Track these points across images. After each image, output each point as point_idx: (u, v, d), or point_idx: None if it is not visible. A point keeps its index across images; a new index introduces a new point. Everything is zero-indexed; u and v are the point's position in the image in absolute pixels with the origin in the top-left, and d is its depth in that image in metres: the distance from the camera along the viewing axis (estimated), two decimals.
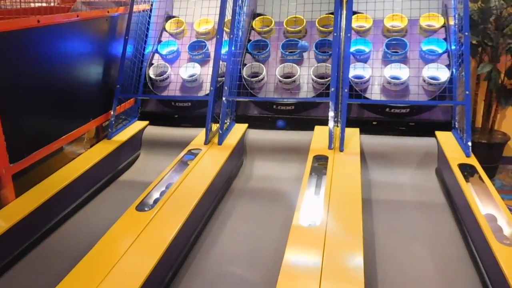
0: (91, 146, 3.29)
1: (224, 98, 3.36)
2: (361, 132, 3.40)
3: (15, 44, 2.57)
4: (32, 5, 4.01)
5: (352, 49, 3.66)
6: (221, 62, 3.52)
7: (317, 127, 3.43)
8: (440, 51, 3.61)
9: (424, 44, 3.63)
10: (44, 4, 4.09)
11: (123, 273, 1.90)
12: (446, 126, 3.41)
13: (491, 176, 4.42)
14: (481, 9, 4.15)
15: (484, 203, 2.44)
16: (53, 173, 2.81)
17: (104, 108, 3.47)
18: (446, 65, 3.50)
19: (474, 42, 4.21)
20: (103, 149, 3.20)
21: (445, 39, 3.65)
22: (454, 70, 3.39)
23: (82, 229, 2.64)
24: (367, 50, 3.68)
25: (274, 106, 3.64)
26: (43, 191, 2.61)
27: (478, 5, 4.17)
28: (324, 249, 1.97)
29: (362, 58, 3.68)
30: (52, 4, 4.26)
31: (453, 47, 3.47)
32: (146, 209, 2.40)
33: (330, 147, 3.06)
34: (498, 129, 4.68)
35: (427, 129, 3.38)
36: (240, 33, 3.69)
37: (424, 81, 3.47)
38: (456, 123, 3.37)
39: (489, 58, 4.32)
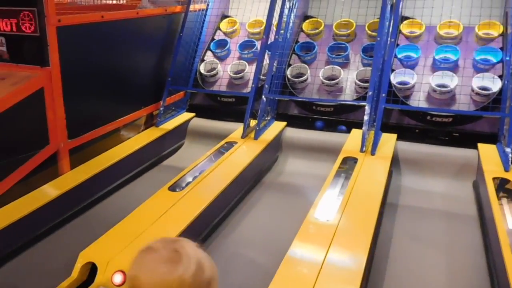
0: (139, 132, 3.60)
1: (263, 96, 3.50)
2: (400, 138, 3.38)
3: (81, 36, 2.92)
4: (104, 1, 4.44)
5: (401, 55, 3.65)
6: (266, 62, 3.67)
7: (353, 130, 3.46)
8: (495, 60, 3.48)
9: (478, 53, 3.52)
10: (114, 2, 4.51)
11: (147, 241, 2.09)
12: (492, 138, 3.28)
13: None
14: None
15: None
16: (105, 152, 3.13)
17: (155, 98, 3.77)
18: (499, 76, 3.37)
19: None
20: (150, 135, 3.50)
21: (501, 48, 3.51)
22: (506, 81, 3.26)
23: (123, 202, 2.93)
24: (415, 56, 3.64)
25: (314, 107, 3.73)
26: (93, 166, 2.94)
27: None
28: (330, 246, 2.04)
29: (410, 64, 3.64)
30: (121, 2, 4.68)
31: (508, 58, 3.34)
32: (177, 189, 2.63)
33: (361, 150, 3.08)
34: None
35: (471, 141, 3.27)
36: (288, 34, 3.80)
37: (473, 90, 3.37)
38: (502, 136, 3.23)
39: None
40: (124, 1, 4.62)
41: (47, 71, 2.66)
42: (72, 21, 2.78)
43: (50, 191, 2.62)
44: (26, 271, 2.28)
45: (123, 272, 1.92)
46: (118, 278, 1.92)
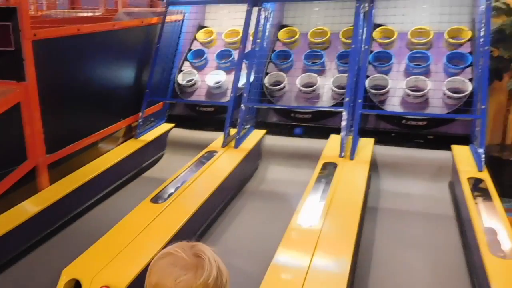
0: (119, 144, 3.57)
1: (242, 105, 3.54)
2: (377, 142, 3.46)
3: (57, 50, 2.90)
4: (79, 14, 4.40)
5: (375, 61, 3.74)
6: (243, 71, 3.70)
7: (332, 136, 3.51)
8: (464, 64, 3.61)
9: (448, 58, 3.64)
10: (89, 14, 4.48)
11: (129, 256, 2.11)
12: (465, 140, 3.39)
13: None
14: None
15: (488, 217, 2.44)
16: (84, 166, 3.10)
17: (134, 110, 3.75)
18: (469, 79, 3.49)
19: (506, 56, 4.13)
20: (129, 147, 3.48)
21: (470, 52, 3.64)
22: (476, 84, 3.38)
23: (105, 216, 2.90)
24: (388, 62, 3.74)
25: (292, 114, 3.78)
26: (73, 181, 2.91)
27: None
28: (314, 251, 2.07)
29: (383, 70, 3.74)
30: (97, 14, 4.65)
31: (477, 61, 3.46)
32: (159, 201, 2.62)
33: (341, 155, 3.14)
34: None
35: (445, 143, 3.37)
36: (265, 43, 3.86)
37: (445, 94, 3.48)
38: (474, 138, 3.34)
39: None
40: (99, 14, 4.59)
41: (24, 86, 2.63)
42: (48, 34, 2.76)
43: (30, 207, 2.58)
44: None
45: (108, 287, 1.91)
46: None
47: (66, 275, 1.98)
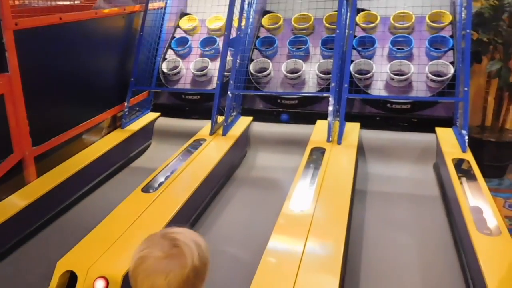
0: (105, 135, 3.53)
1: (229, 92, 3.53)
2: (363, 127, 3.51)
3: (40, 39, 2.83)
4: (59, 3, 4.28)
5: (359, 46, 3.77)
6: (229, 58, 3.69)
7: (318, 121, 3.55)
8: (446, 48, 3.67)
9: (430, 41, 3.69)
10: (68, 2, 4.36)
11: (124, 246, 2.11)
12: (449, 122, 3.47)
13: (500, 176, 4.40)
14: (494, 6, 4.13)
15: (473, 196, 2.51)
16: (71, 157, 3.06)
17: (119, 100, 3.71)
18: (450, 62, 3.56)
19: (485, 39, 4.20)
20: (116, 137, 3.44)
21: (451, 36, 3.70)
22: (457, 67, 3.44)
23: (94, 208, 2.88)
24: (372, 46, 3.77)
25: (279, 100, 3.79)
26: (61, 172, 2.87)
27: (491, 2, 4.16)
28: (307, 236, 2.10)
29: (367, 54, 3.77)
30: (76, 2, 4.53)
31: (458, 44, 3.53)
32: (150, 190, 2.61)
33: (328, 140, 3.18)
34: (509, 128, 4.66)
35: (429, 125, 3.44)
36: (249, 30, 3.84)
37: (427, 77, 3.54)
38: (457, 120, 3.42)
39: (501, 56, 4.32)
40: (78, 2, 4.48)
41: (7, 77, 2.56)
42: (30, 24, 2.69)
43: (18, 200, 2.53)
44: (1, 283, 2.20)
45: (104, 278, 1.90)
46: (100, 285, 1.90)
47: (61, 267, 1.97)
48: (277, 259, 1.99)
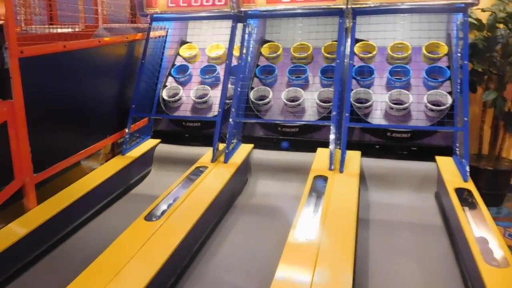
0: (106, 161, 3.50)
1: (231, 119, 3.55)
2: (363, 155, 3.53)
3: (43, 67, 2.84)
4: (59, 30, 4.32)
5: (358, 75, 3.83)
6: (230, 86, 3.73)
7: (319, 149, 3.56)
8: (443, 78, 3.74)
9: (427, 72, 3.77)
10: (69, 30, 4.40)
11: (128, 276, 2.07)
12: (448, 151, 3.50)
13: (498, 204, 4.43)
14: (487, 38, 4.26)
15: (478, 226, 2.52)
16: (71, 184, 3.03)
17: (119, 126, 3.71)
18: (448, 92, 3.62)
19: (480, 69, 4.30)
20: (117, 164, 3.41)
21: (448, 67, 3.78)
22: (455, 97, 3.51)
23: (95, 236, 2.84)
24: (370, 76, 3.83)
25: (279, 128, 3.81)
26: (61, 200, 2.83)
27: (484, 34, 4.28)
28: (315, 266, 2.08)
29: (366, 84, 3.83)
30: (76, 30, 4.58)
31: (455, 75, 3.60)
32: (153, 219, 2.58)
33: (330, 168, 3.19)
34: (506, 157, 4.72)
35: (428, 154, 3.47)
36: (249, 58, 3.89)
37: (426, 107, 3.60)
38: (457, 149, 3.46)
39: (495, 86, 4.41)
40: (79, 30, 4.52)
41: (10, 104, 2.56)
42: (35, 52, 2.70)
43: (18, 228, 2.48)
44: None
45: None
46: None
47: None
48: None
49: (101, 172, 3.24)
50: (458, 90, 3.48)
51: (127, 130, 3.67)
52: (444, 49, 3.87)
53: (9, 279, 2.35)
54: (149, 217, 2.59)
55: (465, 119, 3.20)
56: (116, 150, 3.84)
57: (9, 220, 2.54)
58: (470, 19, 4.16)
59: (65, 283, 2.01)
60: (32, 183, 2.72)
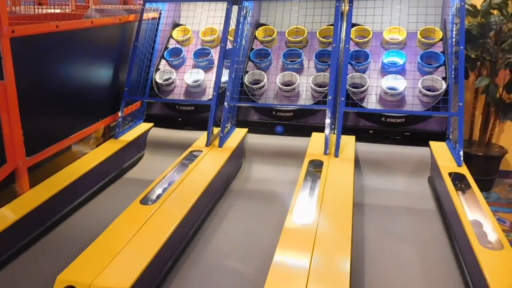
0: (97, 145, 3.46)
1: (226, 103, 3.51)
2: (357, 140, 3.53)
3: (35, 47, 2.76)
4: (50, 11, 4.21)
5: (353, 60, 3.81)
6: (224, 69, 3.68)
7: (314, 134, 3.56)
8: (438, 63, 3.74)
9: (422, 57, 3.76)
10: (59, 11, 4.29)
11: (126, 260, 2.05)
12: (441, 136, 3.53)
13: (487, 189, 4.50)
14: (481, 24, 4.26)
15: (471, 210, 2.56)
16: (65, 168, 2.98)
17: (112, 110, 3.65)
18: (442, 78, 3.63)
19: (473, 56, 4.32)
20: (110, 147, 3.37)
21: (443, 52, 3.78)
22: (450, 82, 3.52)
23: (89, 220, 2.81)
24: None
25: (274, 112, 3.79)
26: (55, 184, 2.79)
27: (478, 20, 4.28)
28: (313, 250, 2.08)
29: (361, 68, 3.82)
30: (67, 11, 4.47)
31: (449, 60, 3.60)
32: (149, 203, 2.56)
33: (325, 153, 3.19)
34: (496, 143, 4.77)
35: (422, 139, 3.49)
36: (243, 42, 3.85)
37: (420, 92, 3.60)
38: (450, 134, 3.48)
39: (488, 72, 4.43)
40: (69, 10, 4.42)
41: (2, 86, 2.48)
42: (26, 31, 2.62)
43: (11, 212, 2.44)
44: None
45: None
46: None
47: (61, 282, 1.90)
48: (284, 274, 1.96)
49: (94, 156, 3.20)
50: (452, 76, 3.49)
51: (120, 114, 3.62)
52: (439, 34, 3.86)
53: (2, 264, 2.32)
54: (144, 201, 2.57)
55: (460, 104, 3.21)
56: (108, 134, 3.78)
57: (1, 205, 2.49)
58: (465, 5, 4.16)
59: (60, 268, 1.98)
60: (25, 166, 2.67)
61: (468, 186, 2.78)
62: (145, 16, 3.91)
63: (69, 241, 2.53)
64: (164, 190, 2.75)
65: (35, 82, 2.77)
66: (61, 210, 2.77)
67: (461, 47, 3.32)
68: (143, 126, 3.83)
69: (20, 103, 2.60)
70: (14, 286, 2.21)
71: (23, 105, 2.62)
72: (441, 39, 3.86)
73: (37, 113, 2.80)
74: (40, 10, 4.05)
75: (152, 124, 3.89)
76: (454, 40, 3.59)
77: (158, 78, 4.02)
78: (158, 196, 2.66)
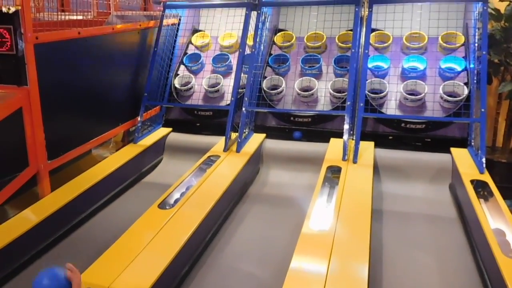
0: (117, 150, 3.50)
1: (244, 108, 3.52)
2: (376, 146, 3.49)
3: (58, 53, 2.83)
4: (73, 17, 4.30)
5: (371, 65, 3.77)
6: (242, 75, 3.70)
7: (332, 139, 3.53)
8: (459, 69, 3.68)
9: (443, 62, 3.71)
10: (81, 17, 4.37)
11: (143, 263, 2.08)
12: (462, 143, 3.46)
13: (511, 197, 4.38)
14: (505, 28, 4.17)
15: (494, 218, 2.50)
16: (85, 172, 3.04)
17: (131, 114, 3.70)
18: (464, 83, 3.56)
19: (496, 61, 4.23)
20: (129, 152, 3.42)
21: (464, 57, 3.72)
22: (472, 88, 3.45)
23: (108, 223, 2.85)
24: (385, 66, 3.78)
25: (292, 118, 3.78)
26: (75, 187, 2.84)
27: (502, 24, 4.19)
28: (330, 256, 2.06)
29: (380, 74, 3.78)
30: (89, 17, 4.55)
31: (471, 65, 3.54)
32: (167, 207, 2.59)
33: (344, 159, 3.16)
34: None
35: (443, 145, 3.42)
36: (262, 47, 3.86)
37: (441, 98, 3.54)
38: (472, 140, 3.41)
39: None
40: (91, 17, 4.50)
41: (25, 91, 2.55)
42: (50, 38, 2.69)
43: (33, 215, 2.50)
44: None
45: None
46: None
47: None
48: (301, 280, 1.94)
49: (114, 160, 3.25)
50: (475, 81, 3.43)
51: (139, 118, 3.67)
52: (461, 39, 3.80)
53: (24, 264, 2.37)
54: (162, 205, 2.59)
55: (482, 110, 3.15)
56: (127, 138, 3.83)
57: (23, 207, 2.55)
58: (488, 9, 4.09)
59: (80, 270, 2.00)
60: (46, 170, 2.73)
61: (491, 193, 2.71)
62: (165, 22, 3.96)
63: (89, 243, 2.57)
64: (182, 194, 2.76)
65: (58, 87, 2.84)
66: (81, 213, 2.82)
67: (484, 52, 3.26)
68: (161, 131, 3.87)
69: (42, 108, 2.66)
70: None
71: (45, 109, 2.69)
72: (463, 44, 3.80)
73: (59, 117, 2.86)
74: (63, 16, 4.15)
75: (170, 129, 3.92)
76: (476, 45, 3.52)
77: (177, 83, 4.06)
78: (176, 201, 2.67)
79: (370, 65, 3.71)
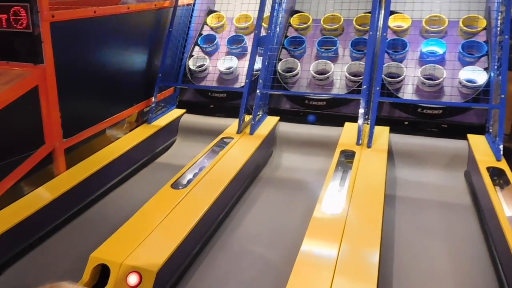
0: (131, 130, 3.52)
1: (258, 91, 3.50)
2: (392, 131, 3.44)
3: (74, 32, 2.83)
4: None
5: (390, 49, 3.70)
6: (257, 57, 3.66)
7: (347, 124, 3.50)
8: (480, 53, 3.58)
9: (463, 46, 3.61)
10: None
11: (156, 241, 2.10)
12: (480, 129, 3.39)
13: None
14: None
15: (509, 206, 2.45)
16: (99, 151, 3.06)
17: (146, 95, 3.71)
18: (484, 68, 3.48)
19: None
20: (143, 132, 3.44)
21: (486, 41, 3.62)
22: (492, 74, 3.37)
23: (121, 201, 2.89)
24: (403, 50, 3.70)
25: (306, 101, 3.75)
26: (90, 166, 2.87)
27: None
28: (341, 241, 2.05)
29: (398, 57, 3.71)
30: None
31: (492, 50, 3.45)
32: (180, 187, 2.60)
33: (358, 143, 3.13)
34: None
35: (460, 132, 3.36)
36: (278, 29, 3.81)
37: (460, 83, 3.47)
38: (490, 127, 3.34)
39: None
40: None
41: (41, 69, 2.57)
42: (66, 16, 2.69)
43: (48, 192, 2.54)
44: (33, 273, 2.21)
45: (138, 273, 1.89)
46: (133, 280, 1.89)
47: (93, 260, 1.96)
48: (311, 264, 1.94)
49: (128, 140, 3.27)
50: (496, 67, 3.34)
51: (153, 99, 3.67)
52: (483, 23, 3.69)
53: (38, 240, 2.42)
54: (175, 185, 2.61)
55: (502, 96, 3.08)
56: (141, 119, 3.85)
57: (39, 184, 2.59)
58: None
59: (93, 246, 2.05)
60: (62, 148, 2.76)
61: (507, 181, 2.66)
62: (180, 2, 3.93)
63: (102, 221, 2.61)
64: (195, 175, 2.78)
65: (73, 66, 2.85)
66: (95, 191, 2.86)
67: (506, 36, 3.16)
68: (175, 112, 3.87)
69: (58, 86, 2.68)
70: (50, 261, 2.30)
71: (61, 88, 2.71)
72: (484, 28, 3.69)
73: (74, 96, 2.88)
74: None
75: (184, 110, 3.92)
76: (498, 29, 3.42)
77: (192, 64, 4.05)
78: (189, 181, 2.69)
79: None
